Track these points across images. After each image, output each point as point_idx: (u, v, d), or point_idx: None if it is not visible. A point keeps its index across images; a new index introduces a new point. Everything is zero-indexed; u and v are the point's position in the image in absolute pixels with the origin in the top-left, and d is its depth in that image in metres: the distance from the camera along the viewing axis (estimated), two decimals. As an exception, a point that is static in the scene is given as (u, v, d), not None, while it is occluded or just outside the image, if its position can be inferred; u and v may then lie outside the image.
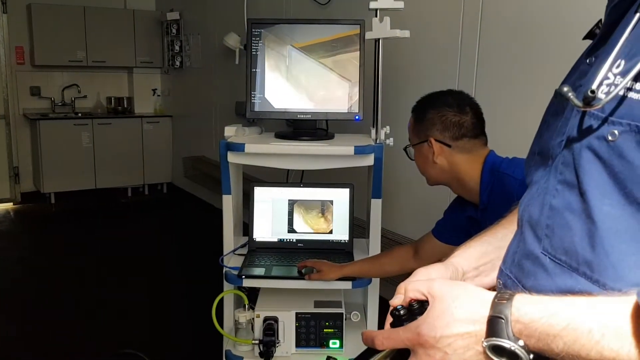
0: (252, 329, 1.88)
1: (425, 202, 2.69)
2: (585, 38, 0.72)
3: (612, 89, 0.57)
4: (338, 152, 1.84)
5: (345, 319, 1.90)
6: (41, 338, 2.93)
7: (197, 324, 2.97)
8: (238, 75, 4.38)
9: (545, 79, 2.15)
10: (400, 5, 1.85)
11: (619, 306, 0.53)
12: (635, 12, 0.59)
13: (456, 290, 0.64)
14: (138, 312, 3.27)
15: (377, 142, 1.91)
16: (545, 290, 0.64)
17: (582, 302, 0.56)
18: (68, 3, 5.62)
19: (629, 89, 0.56)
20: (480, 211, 1.45)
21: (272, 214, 2.05)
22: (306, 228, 2.04)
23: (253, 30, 1.94)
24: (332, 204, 2.04)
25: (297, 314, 1.87)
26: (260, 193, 2.05)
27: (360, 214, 2.21)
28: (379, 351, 0.70)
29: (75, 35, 5.65)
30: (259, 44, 1.94)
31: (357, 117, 1.94)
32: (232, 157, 1.88)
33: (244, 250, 2.04)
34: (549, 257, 0.64)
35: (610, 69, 0.59)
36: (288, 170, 2.29)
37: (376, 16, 1.87)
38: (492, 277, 0.83)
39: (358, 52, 1.91)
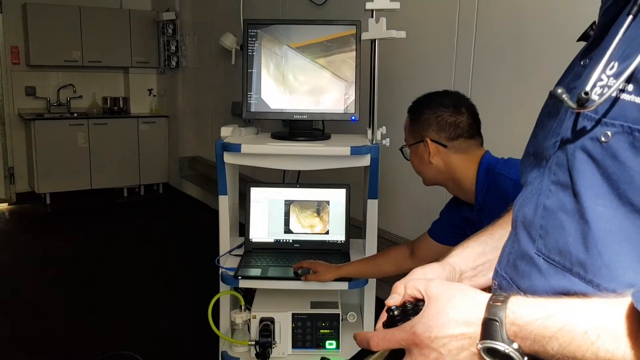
0: (249, 330, 1.88)
1: (422, 202, 2.70)
2: (579, 40, 0.73)
3: (605, 91, 0.57)
4: (334, 152, 1.84)
5: (342, 320, 1.90)
6: (37, 338, 2.92)
7: (193, 325, 2.97)
8: (234, 76, 4.38)
9: (540, 79, 2.15)
10: (397, 6, 1.85)
11: (614, 307, 0.53)
12: (628, 14, 0.59)
13: (452, 291, 0.64)
14: (134, 312, 3.26)
15: (374, 142, 1.91)
16: (540, 291, 0.64)
17: (578, 304, 0.56)
18: (63, 3, 5.61)
19: (622, 91, 0.56)
20: (476, 211, 1.45)
21: (268, 215, 2.04)
22: (302, 228, 2.04)
23: (249, 30, 1.94)
24: (329, 205, 2.04)
25: (293, 314, 1.87)
26: (257, 193, 2.04)
27: (356, 214, 2.21)
28: (372, 352, 0.70)
29: (71, 35, 5.63)
30: (255, 45, 1.94)
31: (353, 118, 1.94)
32: (228, 158, 1.87)
33: (240, 251, 2.04)
34: (543, 258, 0.64)
35: (603, 71, 0.59)
36: (284, 170, 2.29)
37: (372, 17, 1.87)
38: (489, 277, 0.83)
39: (354, 53, 1.91)
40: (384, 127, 1.94)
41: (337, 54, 1.93)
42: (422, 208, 2.66)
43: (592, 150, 0.58)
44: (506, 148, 1.54)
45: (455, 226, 1.62)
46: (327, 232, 2.04)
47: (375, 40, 1.88)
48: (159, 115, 6.21)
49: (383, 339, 0.67)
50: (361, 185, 2.07)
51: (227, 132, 1.97)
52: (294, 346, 1.88)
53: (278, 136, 1.99)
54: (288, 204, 2.04)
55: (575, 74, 0.68)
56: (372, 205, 1.93)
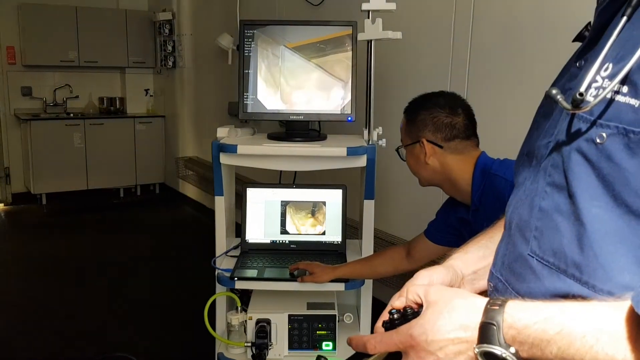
0: (245, 331, 1.88)
1: (418, 202, 2.70)
2: (574, 40, 0.73)
3: (600, 92, 0.57)
4: (331, 153, 1.83)
5: (338, 321, 1.90)
6: (32, 339, 2.91)
7: (189, 327, 2.96)
8: (231, 76, 4.37)
9: (536, 80, 2.16)
10: (393, 6, 1.85)
11: (613, 310, 0.53)
12: (623, 15, 0.59)
13: (450, 296, 0.64)
14: (129, 313, 3.25)
15: (370, 143, 1.91)
16: (536, 293, 0.64)
17: (576, 307, 0.56)
18: (59, 3, 5.59)
19: (617, 92, 0.56)
20: (472, 212, 1.45)
21: (264, 216, 2.04)
22: (299, 229, 2.04)
23: (245, 31, 1.93)
24: (325, 205, 2.03)
25: (289, 316, 1.86)
26: (253, 194, 2.04)
27: (353, 214, 2.20)
28: (369, 355, 0.69)
29: (67, 35, 5.62)
30: (252, 45, 1.94)
31: (349, 118, 1.94)
32: (224, 159, 1.87)
33: (237, 252, 2.04)
34: (537, 259, 0.64)
35: (598, 72, 0.59)
36: (281, 171, 2.28)
37: (368, 17, 1.87)
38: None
39: (350, 53, 1.91)
40: (380, 128, 1.94)
41: (333, 55, 1.93)
42: (418, 208, 2.66)
43: (588, 152, 0.58)
44: (502, 149, 1.54)
45: (451, 227, 1.62)
46: (323, 233, 2.04)
47: (371, 40, 1.88)
48: (156, 116, 6.20)
49: (380, 342, 0.67)
50: (357, 186, 2.07)
51: (223, 133, 1.97)
52: (291, 347, 1.88)
53: (274, 137, 1.99)
54: (284, 204, 2.04)
55: (570, 75, 0.68)
56: (369, 206, 1.93)
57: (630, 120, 0.54)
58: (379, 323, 0.73)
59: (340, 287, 1.83)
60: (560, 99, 0.61)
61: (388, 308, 0.72)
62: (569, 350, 0.54)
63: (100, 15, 5.77)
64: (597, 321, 0.53)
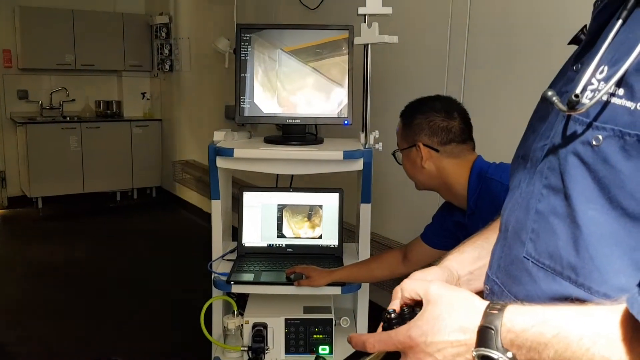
0: (241, 335, 1.87)
1: (415, 206, 2.70)
2: (570, 43, 0.73)
3: (595, 94, 0.58)
4: (327, 156, 1.83)
5: (335, 325, 1.90)
6: (28, 343, 2.90)
7: (185, 331, 2.95)
8: (227, 79, 4.37)
9: (531, 84, 2.16)
10: (389, 11, 1.85)
11: (610, 313, 0.53)
12: (618, 18, 0.60)
13: (451, 297, 0.64)
14: (125, 317, 3.24)
15: (366, 146, 1.91)
16: (531, 296, 0.64)
17: (573, 311, 0.56)
18: (56, 6, 5.59)
19: (612, 95, 0.56)
20: (468, 216, 1.46)
21: (261, 219, 2.04)
22: (295, 233, 2.04)
23: (242, 35, 1.93)
24: (322, 209, 2.03)
25: (286, 319, 1.86)
26: (250, 198, 2.04)
27: (350, 218, 2.20)
28: (367, 354, 0.70)
29: (64, 39, 5.61)
30: (249, 49, 1.94)
31: (346, 122, 1.94)
32: (220, 162, 1.87)
33: (233, 256, 2.03)
34: (532, 262, 0.65)
35: (593, 75, 0.60)
36: (277, 174, 2.28)
37: (365, 21, 1.87)
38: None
39: (347, 56, 1.91)
40: (376, 132, 1.94)
41: (329, 58, 1.93)
42: (415, 212, 2.66)
43: (584, 155, 0.58)
44: (498, 152, 1.54)
45: (447, 230, 1.62)
46: (320, 237, 2.04)
47: (367, 44, 1.88)
48: (153, 119, 6.19)
49: (379, 341, 0.67)
50: (354, 190, 2.07)
51: (219, 137, 1.97)
52: (287, 351, 1.87)
53: (271, 140, 1.99)
54: (281, 208, 2.04)
55: (567, 78, 0.68)
56: (365, 210, 1.93)
57: (626, 122, 0.55)
58: (380, 329, 0.73)
59: (337, 290, 1.83)
60: (556, 101, 0.61)
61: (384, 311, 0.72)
62: (566, 353, 0.54)
63: (97, 18, 5.77)
64: (593, 324, 0.53)
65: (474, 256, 0.87)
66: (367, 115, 1.95)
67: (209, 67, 4.91)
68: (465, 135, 1.49)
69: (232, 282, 1.82)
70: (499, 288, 0.72)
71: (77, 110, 6.05)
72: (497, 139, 2.14)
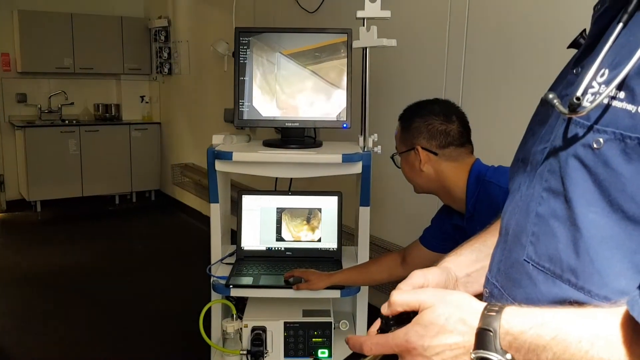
0: (240, 339, 1.87)
1: (414, 209, 2.70)
2: (569, 47, 0.73)
3: (596, 97, 0.58)
4: (326, 160, 1.83)
5: (334, 328, 1.90)
6: (27, 347, 2.89)
7: (184, 334, 2.95)
8: (226, 83, 4.37)
9: (531, 87, 2.17)
10: (387, 14, 1.86)
11: (609, 316, 0.53)
12: (619, 22, 0.60)
13: (447, 299, 0.64)
14: (124, 321, 3.23)
15: (365, 149, 1.91)
16: (531, 299, 0.64)
17: (572, 313, 0.56)
18: (55, 9, 5.59)
19: (613, 98, 0.56)
20: (467, 219, 1.46)
21: (260, 223, 2.04)
22: (294, 236, 2.04)
23: (241, 38, 1.94)
24: (321, 212, 2.03)
25: (285, 323, 1.86)
26: (249, 201, 2.04)
27: (348, 221, 2.20)
28: (365, 355, 0.70)
29: (62, 42, 5.61)
30: (247, 52, 1.94)
31: (345, 125, 1.94)
32: (219, 166, 1.87)
33: (232, 259, 2.03)
34: (532, 264, 0.64)
35: (594, 78, 0.60)
36: (276, 178, 2.28)
37: (363, 25, 1.87)
38: (482, 284, 0.83)
39: (346, 60, 1.92)
40: (375, 135, 1.94)
41: (328, 62, 1.93)
42: (414, 215, 2.67)
43: (584, 158, 0.58)
44: (497, 156, 1.54)
45: (446, 233, 1.62)
46: (319, 240, 2.04)
47: (366, 48, 1.89)
48: (151, 122, 6.19)
49: (376, 344, 0.67)
50: (353, 193, 2.07)
51: (218, 140, 1.97)
52: (286, 355, 1.87)
53: (270, 144, 1.99)
54: (280, 211, 2.03)
55: (567, 82, 0.69)
56: (364, 213, 1.93)
57: (626, 125, 0.55)
58: (374, 328, 0.73)
59: (336, 294, 1.83)
60: (557, 103, 0.61)
61: (381, 313, 0.72)
62: (564, 355, 0.54)
63: (96, 21, 5.77)
64: (592, 326, 0.53)
65: (471, 259, 0.87)
66: (366, 119, 1.95)
67: (207, 71, 4.92)
68: (463, 138, 1.50)
69: (231, 286, 1.82)
70: (499, 291, 0.72)
71: (76, 113, 6.05)
72: (496, 142, 2.15)
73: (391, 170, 1.81)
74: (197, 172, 5.09)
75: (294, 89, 1.95)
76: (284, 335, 1.86)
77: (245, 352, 1.80)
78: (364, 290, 1.97)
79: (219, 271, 1.94)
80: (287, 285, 1.81)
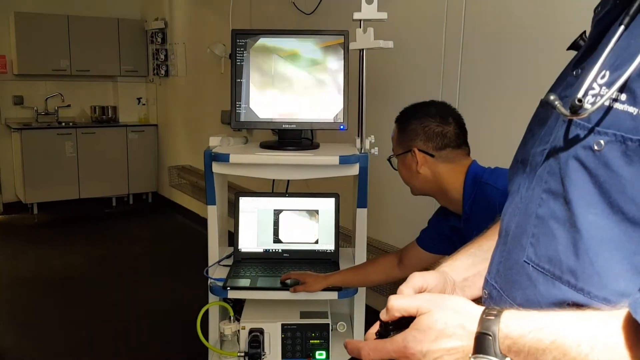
0: (238, 341, 1.86)
1: (411, 210, 2.70)
2: (569, 49, 0.73)
3: (597, 99, 0.58)
4: (323, 161, 1.83)
5: (332, 330, 1.89)
6: (23, 349, 2.88)
7: (181, 336, 2.94)
8: (223, 85, 4.37)
9: (527, 89, 2.17)
10: (384, 16, 1.86)
11: (608, 319, 0.53)
12: (620, 24, 0.60)
13: (444, 304, 0.64)
14: (122, 323, 3.23)
15: (362, 151, 1.92)
16: (531, 300, 0.64)
17: (571, 316, 0.56)
18: (51, 12, 5.58)
19: (615, 100, 0.57)
20: (463, 221, 1.46)
21: (257, 224, 2.04)
22: (292, 238, 2.04)
23: (238, 40, 1.94)
24: (318, 214, 2.03)
25: (282, 325, 1.85)
26: (246, 203, 2.04)
27: (346, 223, 2.20)
28: None
29: (59, 44, 5.60)
30: (244, 54, 1.94)
31: (342, 127, 1.94)
32: (216, 168, 1.87)
33: (230, 261, 2.03)
34: (532, 266, 0.64)
35: (595, 80, 0.60)
36: (273, 180, 2.28)
37: (360, 27, 1.88)
38: (479, 288, 0.83)
39: (342, 62, 1.92)
40: (372, 136, 1.95)
41: (325, 63, 1.93)
42: (411, 216, 2.67)
43: (585, 159, 0.58)
44: (493, 157, 1.55)
45: (443, 235, 1.63)
46: (316, 242, 2.04)
47: (363, 50, 1.89)
48: (148, 124, 6.19)
49: (374, 349, 0.67)
50: (350, 195, 2.07)
51: (215, 142, 1.97)
52: (284, 357, 1.87)
53: (267, 146, 1.99)
54: (277, 213, 2.03)
55: (567, 83, 0.69)
56: (362, 214, 1.93)
57: (628, 127, 0.55)
58: (370, 333, 0.73)
59: (334, 295, 1.83)
60: (558, 105, 0.61)
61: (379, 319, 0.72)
62: (564, 359, 0.54)
63: (92, 23, 5.77)
64: (592, 330, 0.53)
65: (467, 263, 0.87)
66: (362, 120, 1.95)
67: (204, 73, 4.91)
68: (460, 140, 1.50)
69: (229, 288, 1.82)
70: (498, 292, 0.72)
71: (72, 115, 6.04)
72: (492, 143, 2.15)
73: (388, 172, 1.82)
74: (194, 174, 5.09)
75: (291, 91, 1.95)
76: (282, 337, 1.86)
77: (242, 354, 1.80)
78: (362, 291, 1.97)
79: (217, 273, 1.94)
80: (284, 287, 1.80)
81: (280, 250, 2.03)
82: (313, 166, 1.86)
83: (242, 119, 1.95)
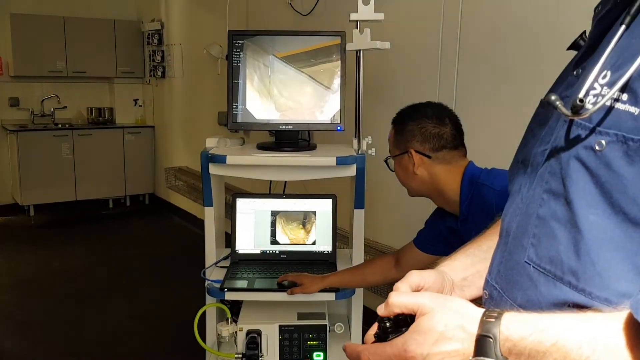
0: (235, 342, 1.86)
1: (408, 211, 2.70)
2: (569, 49, 0.73)
3: (599, 100, 0.58)
4: (320, 162, 1.83)
5: (329, 331, 1.89)
6: (19, 351, 2.87)
7: (179, 338, 2.94)
8: (220, 85, 4.37)
9: (524, 90, 2.18)
10: (381, 17, 1.86)
11: (609, 320, 0.53)
12: (621, 24, 0.60)
13: (446, 305, 0.64)
14: (119, 325, 3.22)
15: (359, 152, 1.91)
16: (532, 301, 0.64)
17: (572, 318, 0.56)
18: (47, 13, 5.57)
19: (616, 100, 0.56)
20: (460, 222, 1.46)
21: (254, 226, 2.03)
22: (289, 239, 2.03)
23: (234, 41, 1.93)
24: (315, 215, 2.03)
25: (280, 326, 1.85)
26: (243, 204, 2.03)
27: (343, 224, 2.20)
28: None
29: (55, 46, 5.59)
30: (241, 55, 1.94)
31: (339, 128, 1.94)
32: (213, 169, 1.86)
33: (227, 263, 2.02)
34: (533, 266, 0.64)
35: (596, 80, 0.60)
36: (270, 181, 2.28)
37: (357, 27, 1.88)
38: (478, 287, 0.83)
39: (339, 62, 1.92)
40: (369, 137, 1.95)
41: (322, 64, 1.93)
42: (408, 217, 2.67)
43: (586, 159, 0.58)
44: (490, 158, 1.55)
45: (440, 236, 1.63)
46: (313, 243, 2.03)
47: (360, 50, 1.89)
48: (145, 126, 6.18)
49: (374, 353, 0.66)
50: (347, 196, 2.07)
51: (212, 143, 1.96)
52: (281, 358, 1.86)
53: (264, 147, 1.98)
54: (274, 214, 2.03)
55: (567, 83, 0.68)
56: (359, 215, 1.93)
57: (629, 127, 0.55)
58: (369, 335, 0.72)
59: (331, 296, 1.83)
60: (559, 105, 0.61)
61: (378, 318, 0.71)
62: None
63: (89, 25, 5.76)
64: (593, 331, 0.53)
65: (466, 263, 0.87)
66: (359, 121, 1.95)
67: (201, 74, 4.91)
68: (456, 141, 1.50)
69: (226, 289, 1.81)
70: (499, 293, 0.71)
71: (68, 117, 6.03)
72: (489, 144, 2.16)
73: (385, 173, 1.82)
74: (191, 176, 5.08)
75: (287, 92, 1.95)
76: (279, 339, 1.85)
77: (240, 355, 1.79)
78: (359, 292, 1.97)
79: (214, 274, 1.93)
80: (282, 288, 1.80)
81: (277, 252, 2.03)
82: (310, 167, 1.86)
83: (239, 120, 1.95)
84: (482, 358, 0.58)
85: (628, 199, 0.55)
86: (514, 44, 2.23)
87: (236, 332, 1.84)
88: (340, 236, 2.37)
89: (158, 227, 5.52)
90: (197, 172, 4.85)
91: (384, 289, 2.76)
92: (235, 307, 1.95)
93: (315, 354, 1.87)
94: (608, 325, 0.53)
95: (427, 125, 1.47)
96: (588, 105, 0.58)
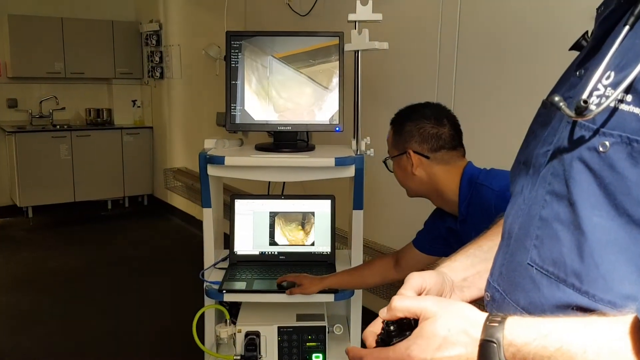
0: (234, 344, 1.86)
1: (407, 212, 2.70)
2: (571, 49, 0.73)
3: (602, 101, 0.57)
4: (319, 163, 1.83)
5: (328, 332, 1.89)
6: (20, 353, 2.86)
7: (177, 340, 2.93)
8: (218, 86, 4.36)
9: (522, 90, 2.18)
10: (379, 17, 1.86)
11: (614, 325, 0.53)
12: (625, 24, 0.59)
13: (450, 309, 0.63)
14: (117, 327, 3.21)
15: (358, 153, 1.91)
16: (534, 303, 0.64)
17: (576, 322, 0.56)
18: (45, 14, 5.56)
19: (620, 101, 0.56)
20: (460, 222, 1.46)
21: (253, 227, 2.03)
22: (288, 240, 2.03)
23: (232, 42, 1.93)
24: (314, 216, 2.03)
25: (279, 328, 1.85)
26: (241, 205, 2.03)
27: (342, 225, 2.20)
28: None
29: (53, 47, 5.59)
30: (239, 56, 1.93)
31: (337, 129, 1.94)
32: (211, 170, 1.86)
33: (225, 264, 2.02)
34: (536, 268, 0.64)
35: (599, 80, 0.59)
36: (269, 182, 2.28)
37: (355, 28, 1.87)
38: (479, 288, 0.82)
39: (337, 63, 1.91)
40: (368, 138, 1.94)
41: (320, 65, 1.93)
42: (407, 218, 2.67)
43: (590, 161, 0.58)
44: (488, 158, 1.55)
45: (439, 236, 1.63)
46: (312, 244, 2.03)
47: (358, 51, 1.89)
48: (143, 127, 6.17)
49: (377, 358, 0.66)
50: (346, 196, 2.06)
51: (210, 144, 1.96)
52: (280, 360, 1.86)
53: (262, 148, 1.98)
54: (273, 215, 2.03)
55: (570, 84, 0.68)
56: (358, 216, 1.93)
57: (634, 129, 0.54)
58: (369, 328, 0.72)
59: (330, 298, 1.82)
60: (563, 106, 0.60)
61: (378, 320, 0.70)
62: None
63: (87, 26, 5.75)
64: (597, 335, 0.53)
65: (466, 264, 0.86)
66: (358, 122, 1.95)
67: (199, 75, 4.90)
68: (455, 141, 1.50)
69: (224, 291, 1.81)
70: (500, 295, 0.71)
71: (67, 118, 6.02)
72: (488, 145, 2.15)
73: (384, 174, 1.81)
74: (189, 177, 5.08)
75: (286, 93, 1.94)
76: (278, 340, 1.85)
77: (239, 357, 1.79)
78: (358, 293, 1.97)
79: (212, 276, 1.93)
80: (281, 289, 1.80)
81: (276, 253, 2.03)
82: (309, 168, 1.85)
83: (237, 121, 1.94)
84: None
85: (632, 200, 0.54)
86: (512, 45, 2.23)
87: (235, 333, 1.84)
88: (339, 237, 2.37)
89: (156, 228, 5.52)
90: (196, 173, 4.85)
91: (384, 290, 2.76)
92: (234, 309, 1.95)
93: (314, 355, 1.86)
94: (613, 329, 0.52)
95: (425, 126, 1.47)
96: (592, 107, 0.58)
